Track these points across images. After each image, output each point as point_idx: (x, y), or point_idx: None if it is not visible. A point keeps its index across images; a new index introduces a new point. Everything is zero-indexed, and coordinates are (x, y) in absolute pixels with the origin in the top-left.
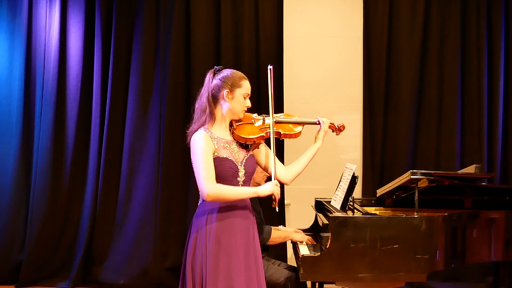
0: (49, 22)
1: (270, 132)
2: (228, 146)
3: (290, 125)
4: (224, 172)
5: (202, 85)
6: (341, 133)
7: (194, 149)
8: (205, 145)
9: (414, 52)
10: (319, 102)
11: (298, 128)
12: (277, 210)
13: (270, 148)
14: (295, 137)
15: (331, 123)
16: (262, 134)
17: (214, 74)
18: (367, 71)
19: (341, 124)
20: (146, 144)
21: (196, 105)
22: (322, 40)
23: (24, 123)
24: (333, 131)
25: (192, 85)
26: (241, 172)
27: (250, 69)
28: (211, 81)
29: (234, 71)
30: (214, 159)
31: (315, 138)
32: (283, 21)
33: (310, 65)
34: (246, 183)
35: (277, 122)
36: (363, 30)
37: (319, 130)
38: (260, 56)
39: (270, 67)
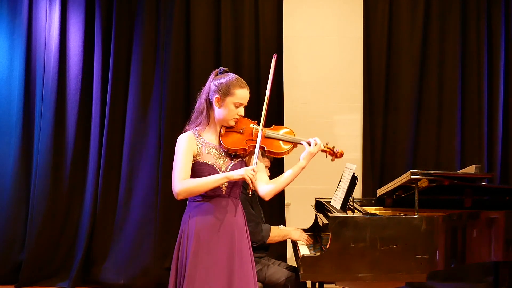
0: (49, 22)
1: (254, 145)
2: (213, 151)
3: (280, 142)
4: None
5: (204, 84)
6: (337, 159)
7: (176, 149)
8: (186, 146)
9: (414, 52)
10: (319, 102)
11: (286, 147)
12: (250, 195)
13: (254, 153)
14: (279, 156)
15: (328, 148)
16: (245, 147)
17: (216, 76)
18: (367, 71)
19: (340, 151)
20: (146, 144)
21: (197, 103)
22: (322, 40)
23: (24, 123)
24: (326, 156)
25: (192, 85)
26: None
27: (250, 69)
28: (210, 83)
29: (233, 78)
30: (194, 163)
31: (300, 157)
32: (283, 21)
33: (310, 65)
34: (231, 190)
35: (266, 137)
36: (363, 30)
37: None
38: (260, 56)
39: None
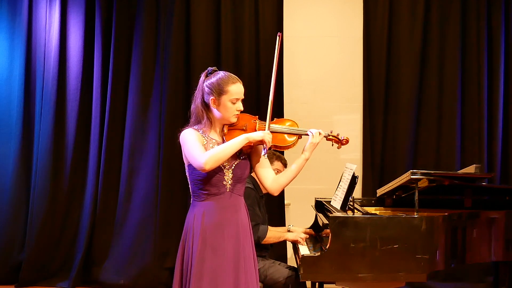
0: (49, 22)
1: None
2: None
3: (285, 136)
4: (209, 174)
5: (197, 86)
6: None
7: (184, 140)
8: (195, 135)
9: (414, 52)
10: (319, 102)
11: (291, 139)
12: (265, 158)
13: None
14: (286, 149)
15: (333, 136)
16: (250, 144)
17: (206, 77)
18: (367, 71)
19: (346, 138)
20: (146, 144)
21: (192, 107)
22: (322, 40)
23: (24, 123)
24: (333, 144)
25: (192, 85)
26: (228, 177)
27: (250, 69)
28: (202, 85)
29: (223, 76)
30: None
31: (303, 149)
32: (283, 21)
33: (310, 65)
34: (235, 187)
35: (271, 131)
36: (363, 30)
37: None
38: (260, 56)
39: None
